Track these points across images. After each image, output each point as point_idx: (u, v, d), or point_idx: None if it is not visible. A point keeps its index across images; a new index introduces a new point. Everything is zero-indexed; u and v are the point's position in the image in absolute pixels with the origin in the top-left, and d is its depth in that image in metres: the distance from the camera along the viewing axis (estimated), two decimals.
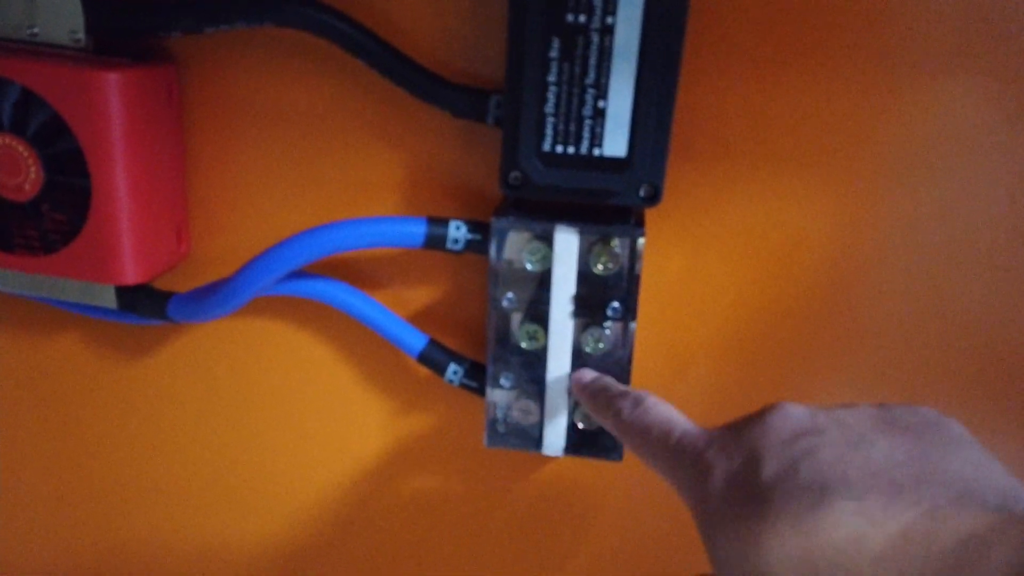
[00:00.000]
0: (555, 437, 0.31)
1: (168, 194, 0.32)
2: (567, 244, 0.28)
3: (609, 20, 0.25)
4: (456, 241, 0.29)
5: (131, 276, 0.30)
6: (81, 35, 0.29)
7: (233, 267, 0.31)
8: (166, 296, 0.32)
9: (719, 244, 0.31)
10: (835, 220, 0.30)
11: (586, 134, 0.26)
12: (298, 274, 0.32)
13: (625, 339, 0.30)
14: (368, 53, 0.28)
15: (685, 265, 0.31)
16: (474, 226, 0.29)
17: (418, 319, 0.33)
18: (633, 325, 0.29)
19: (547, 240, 0.29)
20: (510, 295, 0.29)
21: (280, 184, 0.32)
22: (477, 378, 0.32)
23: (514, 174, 0.28)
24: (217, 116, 0.32)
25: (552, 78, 0.26)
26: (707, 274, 0.31)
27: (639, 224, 0.28)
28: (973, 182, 0.29)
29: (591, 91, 0.26)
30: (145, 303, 0.32)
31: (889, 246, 0.30)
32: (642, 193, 0.27)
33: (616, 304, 0.29)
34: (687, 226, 0.31)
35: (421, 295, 0.33)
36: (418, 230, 0.29)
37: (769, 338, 0.32)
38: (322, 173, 0.32)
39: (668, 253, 0.31)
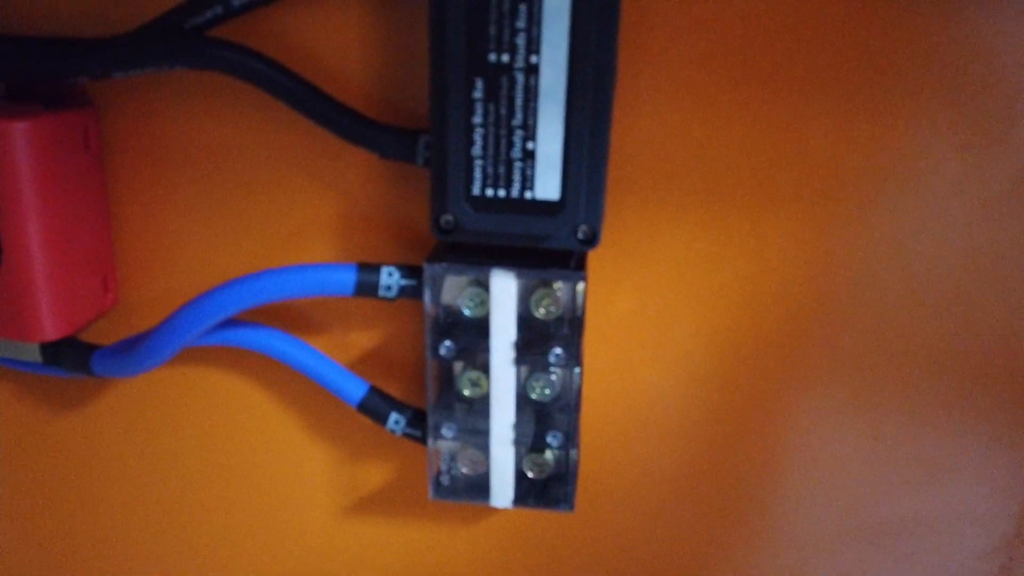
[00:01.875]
0: (503, 488, 0.30)
1: (90, 243, 0.30)
2: (505, 288, 0.27)
3: (533, 59, 0.24)
4: (389, 288, 0.28)
5: (50, 332, 0.29)
6: None
7: (164, 315, 0.30)
8: (91, 349, 0.30)
9: (668, 282, 0.29)
10: (788, 253, 0.29)
11: (517, 177, 0.25)
12: (229, 322, 0.30)
13: (571, 385, 0.28)
14: (289, 95, 0.27)
15: (633, 305, 0.30)
16: (408, 271, 0.28)
17: (359, 365, 0.32)
18: (578, 371, 0.28)
19: (484, 285, 0.27)
20: (448, 343, 0.28)
21: (209, 228, 0.31)
22: (421, 427, 0.30)
23: (445, 218, 0.26)
24: (141, 160, 0.30)
25: (478, 120, 0.25)
26: (658, 313, 0.30)
27: (580, 266, 0.27)
28: (928, 212, 0.28)
29: (519, 132, 0.25)
30: (69, 357, 0.30)
31: (842, 277, 0.29)
32: (580, 235, 0.26)
33: (559, 350, 0.27)
34: (633, 264, 0.29)
35: (362, 339, 0.32)
36: (348, 278, 0.28)
37: (731, 376, 0.31)
38: (252, 216, 0.30)
39: (615, 293, 0.30)
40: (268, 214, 0.30)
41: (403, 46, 0.27)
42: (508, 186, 0.25)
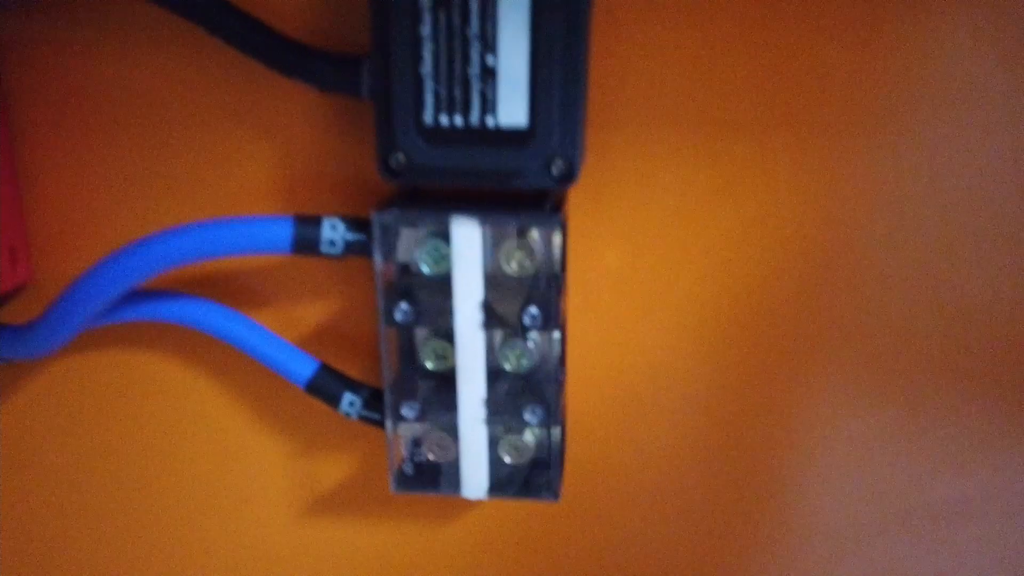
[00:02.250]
0: (476, 476, 0.26)
1: None
2: (468, 239, 0.23)
3: None
4: (333, 243, 0.24)
5: None
6: None
7: None
8: None
9: (662, 229, 0.25)
10: (803, 191, 0.25)
11: (475, 100, 0.21)
12: (155, 294, 0.26)
13: (551, 353, 0.24)
14: (209, 19, 0.23)
15: (622, 259, 0.26)
16: (354, 224, 0.24)
17: (308, 340, 0.28)
18: (559, 335, 0.24)
19: (445, 236, 0.23)
20: (404, 306, 0.24)
21: (133, 188, 0.27)
22: (380, 408, 0.26)
23: (395, 156, 0.22)
24: (51, 111, 0.26)
25: (426, 31, 0.20)
26: (651, 267, 0.26)
27: (557, 210, 0.23)
28: (969, 141, 0.24)
29: (476, 44, 0.20)
30: None
31: (868, 221, 0.25)
32: (554, 171, 0.22)
33: (535, 311, 0.23)
34: (621, 209, 0.25)
35: (311, 310, 0.28)
36: (283, 232, 0.23)
37: (738, 341, 0.27)
38: (179, 171, 0.26)
39: (600, 244, 0.26)
40: (197, 169, 0.26)
41: None
42: (466, 112, 0.21)
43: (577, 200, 0.25)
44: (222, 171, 0.26)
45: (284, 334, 0.27)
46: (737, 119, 0.24)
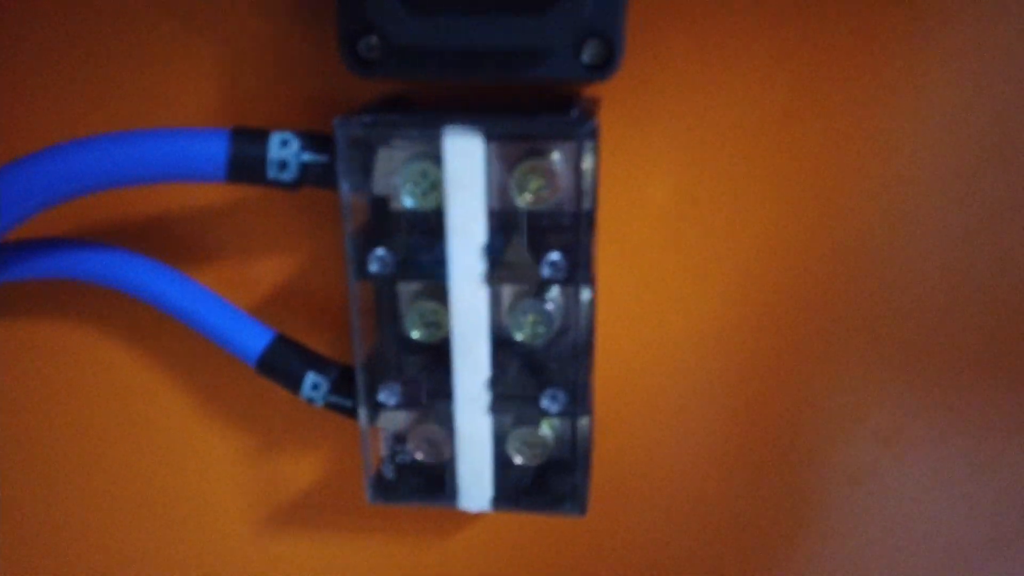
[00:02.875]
0: (477, 482, 0.19)
1: None
2: (467, 160, 0.17)
3: None
4: (284, 166, 0.17)
5: None
6: None
7: None
8: None
9: (729, 154, 0.19)
10: (896, 103, 0.19)
11: None
12: (66, 243, 0.20)
13: (578, 317, 0.18)
14: None
15: (672, 194, 0.19)
16: (313, 141, 0.17)
17: (263, 304, 0.22)
18: (588, 293, 0.18)
19: (435, 156, 0.17)
20: (380, 253, 0.18)
21: (43, 89, 0.21)
22: (353, 392, 0.20)
23: (365, 40, 0.16)
24: None
25: None
26: (711, 205, 0.19)
27: (587, 118, 0.17)
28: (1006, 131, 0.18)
29: None
30: None
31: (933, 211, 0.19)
32: (586, 56, 0.16)
33: (556, 257, 0.17)
34: (674, 125, 0.19)
35: (266, 264, 0.21)
36: (216, 149, 0.17)
37: (818, 305, 0.20)
38: (97, 73, 0.20)
39: (644, 173, 0.19)
40: (119, 70, 0.20)
41: None
42: None
43: (613, 110, 0.19)
44: (149, 73, 0.20)
45: (230, 295, 0.21)
46: (824, 19, 0.18)
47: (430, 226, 0.18)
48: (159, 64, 0.20)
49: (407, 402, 0.19)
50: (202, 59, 0.20)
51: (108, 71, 0.20)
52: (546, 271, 0.17)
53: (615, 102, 0.19)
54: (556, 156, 0.17)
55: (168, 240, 0.21)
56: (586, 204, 0.17)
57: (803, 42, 0.18)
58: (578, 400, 0.18)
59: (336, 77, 0.19)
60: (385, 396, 0.19)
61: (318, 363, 0.20)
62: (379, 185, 0.18)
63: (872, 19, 0.18)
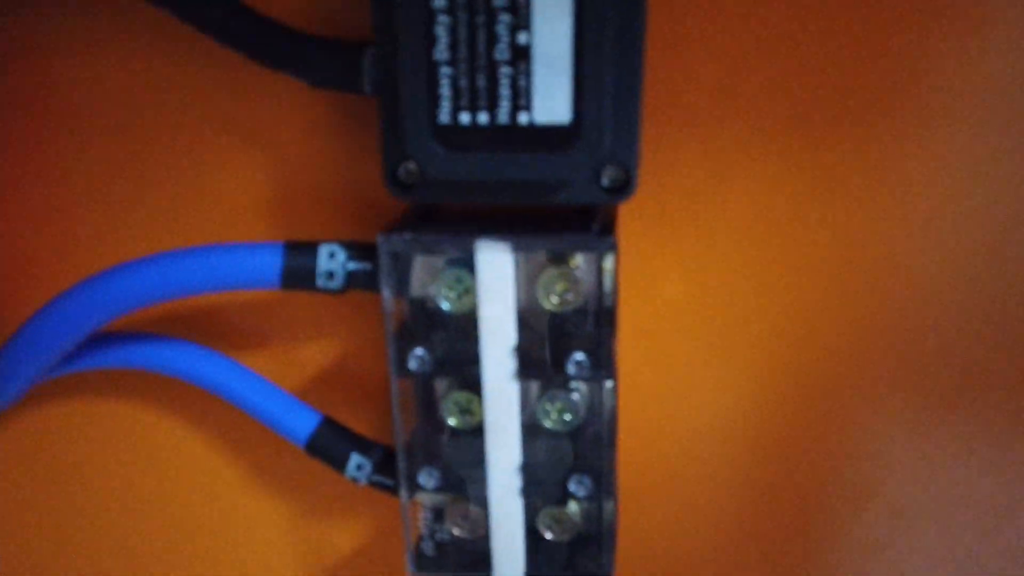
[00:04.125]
0: (511, 556, 0.21)
1: None
2: (498, 269, 0.18)
3: None
4: (331, 276, 0.19)
5: None
6: None
7: None
8: None
9: (736, 255, 0.20)
10: (919, 197, 0.20)
11: (504, 91, 0.16)
12: (125, 335, 0.22)
13: (601, 407, 0.20)
14: (183, 4, 0.18)
15: (686, 289, 0.21)
16: (358, 251, 0.19)
17: (309, 389, 0.23)
18: (611, 385, 0.19)
19: (469, 264, 0.19)
20: (419, 352, 0.19)
21: (102, 205, 0.22)
22: (395, 472, 0.22)
23: (405, 166, 0.18)
24: (17, 121, 0.22)
25: (440, 2, 0.16)
26: (723, 300, 0.21)
27: (608, 230, 0.18)
28: None
29: (504, 19, 0.16)
30: None
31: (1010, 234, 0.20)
32: (605, 181, 0.17)
33: (582, 357, 0.19)
34: (686, 229, 0.20)
35: (313, 351, 0.23)
36: (271, 262, 0.19)
37: (829, 389, 0.22)
38: (155, 186, 0.22)
39: (659, 272, 0.21)
40: (177, 183, 0.22)
41: None
42: (492, 107, 0.17)
43: (630, 216, 0.20)
44: (204, 186, 0.22)
45: (280, 380, 0.23)
46: (834, 112, 0.19)
47: (465, 326, 0.19)
48: (211, 171, 0.22)
49: (444, 485, 0.21)
50: (251, 167, 0.22)
51: (163, 178, 0.22)
52: (571, 369, 0.19)
53: (632, 209, 0.20)
54: (579, 262, 0.19)
55: (223, 328, 0.23)
56: (607, 307, 0.19)
57: (806, 149, 0.20)
58: (603, 485, 0.20)
59: (377, 188, 0.21)
60: (424, 479, 0.20)
61: (362, 445, 0.22)
62: (417, 288, 0.20)
63: (875, 126, 0.19)
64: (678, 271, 0.21)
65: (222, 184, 0.22)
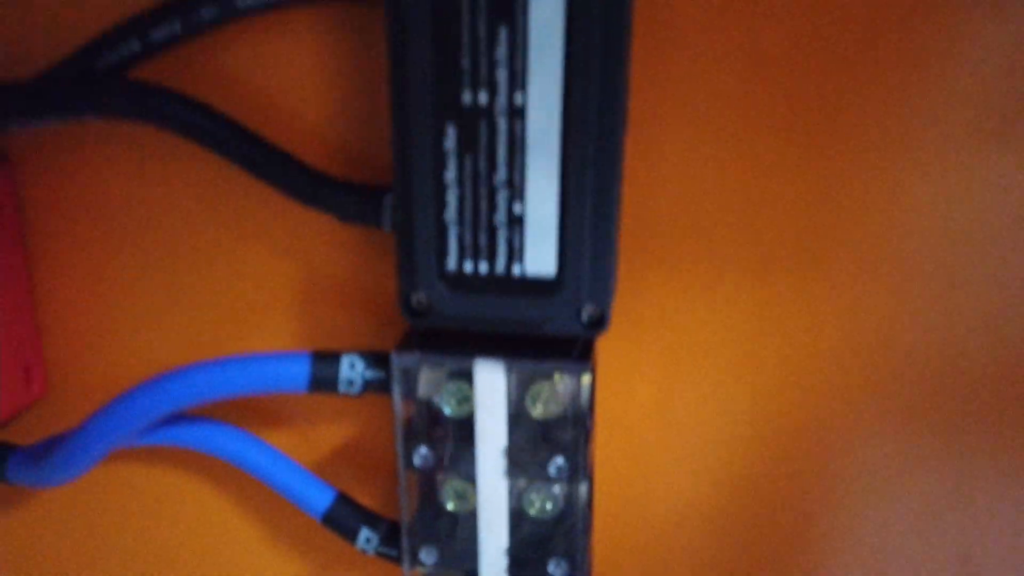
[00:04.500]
0: None
1: (9, 328, 0.25)
2: (492, 383, 0.22)
3: (519, 99, 0.18)
4: (351, 383, 0.22)
5: None
6: None
7: (97, 406, 0.25)
8: (7, 452, 0.25)
9: (697, 363, 0.24)
10: (846, 323, 0.23)
11: (502, 248, 0.20)
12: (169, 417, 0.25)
13: (577, 502, 0.23)
14: (226, 147, 0.22)
15: (654, 394, 0.24)
16: (374, 361, 0.23)
17: (325, 465, 0.27)
18: (585, 486, 0.22)
19: (468, 377, 0.22)
20: (424, 451, 0.23)
21: (148, 304, 0.26)
22: (399, 545, 0.25)
23: (416, 297, 0.21)
24: (69, 226, 0.25)
25: (451, 176, 0.19)
26: (686, 403, 0.24)
27: (586, 353, 0.21)
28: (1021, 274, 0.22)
29: (503, 191, 0.19)
30: None
31: (920, 352, 0.23)
32: (584, 318, 0.21)
33: (561, 461, 0.22)
34: (653, 341, 0.24)
35: (328, 433, 0.26)
36: (300, 371, 0.22)
37: (779, 482, 0.25)
38: (196, 289, 0.25)
39: (632, 378, 0.24)
40: (212, 288, 0.25)
41: (367, 80, 0.22)
42: (491, 259, 0.20)
43: (609, 332, 0.24)
44: (236, 287, 0.25)
45: (299, 456, 0.26)
46: (776, 252, 0.22)
47: (462, 428, 0.22)
48: (246, 274, 0.25)
49: (442, 562, 0.24)
50: (279, 275, 0.25)
51: (203, 281, 0.25)
52: (553, 471, 0.22)
53: (611, 326, 0.24)
54: (561, 379, 0.22)
55: (253, 410, 0.26)
56: (584, 417, 0.22)
57: (754, 289, 0.23)
58: (578, 568, 0.23)
59: (392, 294, 0.24)
60: (425, 555, 0.24)
61: (371, 520, 0.25)
62: (423, 392, 0.23)
63: (814, 268, 0.23)
64: (647, 377, 0.24)
65: (255, 284, 0.25)
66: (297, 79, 0.23)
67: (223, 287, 0.25)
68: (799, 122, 0.22)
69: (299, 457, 0.26)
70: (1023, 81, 0.21)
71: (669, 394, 0.24)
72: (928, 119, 0.21)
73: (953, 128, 0.21)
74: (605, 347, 0.24)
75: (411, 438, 0.23)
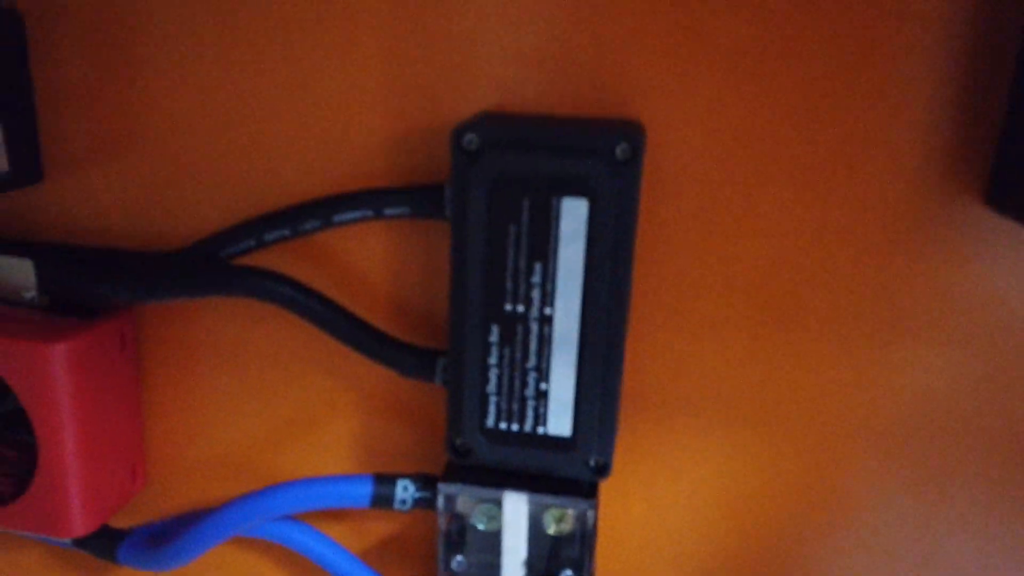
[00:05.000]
0: None
1: (122, 437, 0.31)
2: (517, 510, 0.27)
3: (547, 311, 0.24)
4: (404, 502, 0.28)
5: (80, 528, 0.30)
6: (34, 293, 0.29)
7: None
8: (118, 539, 0.31)
9: (684, 490, 0.30)
10: (798, 483, 0.29)
11: (530, 414, 0.26)
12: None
13: None
14: (315, 317, 0.28)
15: (646, 511, 0.30)
16: (423, 484, 0.29)
17: (374, 552, 0.32)
18: None
19: (498, 502, 0.28)
20: (459, 559, 0.28)
21: (236, 418, 0.32)
22: None
23: (459, 442, 0.27)
24: (175, 355, 0.32)
25: (493, 360, 0.25)
26: (673, 518, 0.30)
27: (592, 491, 0.27)
28: (953, 458, 0.28)
29: (533, 374, 0.25)
30: (96, 544, 0.31)
31: (854, 509, 0.29)
32: (591, 465, 0.26)
33: (569, 573, 0.28)
34: (646, 474, 0.30)
35: (378, 525, 0.32)
36: (364, 491, 0.28)
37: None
38: (277, 409, 0.32)
39: (629, 498, 0.30)
40: (291, 407, 0.31)
41: (426, 267, 0.29)
42: (521, 421, 0.26)
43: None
44: (311, 409, 0.31)
45: (352, 545, 0.32)
46: (747, 419, 0.28)
47: (491, 540, 0.28)
48: (318, 403, 0.31)
49: None
50: (349, 405, 0.31)
51: (283, 406, 0.31)
52: None
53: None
54: (569, 511, 0.28)
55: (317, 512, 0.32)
56: (588, 538, 0.28)
57: (729, 439, 0.29)
58: None
59: (439, 426, 0.30)
60: None
61: None
62: (461, 508, 0.29)
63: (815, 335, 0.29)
64: (641, 498, 0.30)
65: (329, 414, 0.31)
66: (374, 266, 0.29)
67: (303, 408, 0.31)
68: (769, 321, 0.27)
69: (350, 545, 0.32)
70: None
71: (659, 511, 0.30)
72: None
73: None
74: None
75: (450, 547, 0.28)
